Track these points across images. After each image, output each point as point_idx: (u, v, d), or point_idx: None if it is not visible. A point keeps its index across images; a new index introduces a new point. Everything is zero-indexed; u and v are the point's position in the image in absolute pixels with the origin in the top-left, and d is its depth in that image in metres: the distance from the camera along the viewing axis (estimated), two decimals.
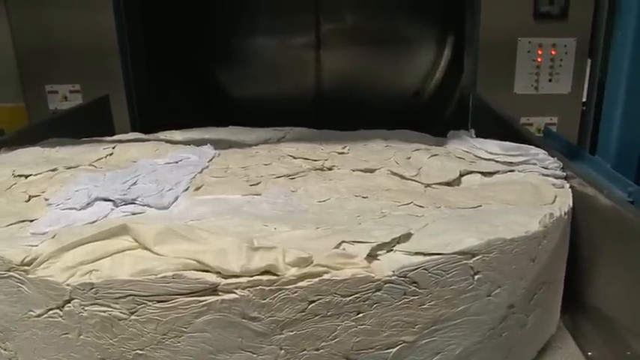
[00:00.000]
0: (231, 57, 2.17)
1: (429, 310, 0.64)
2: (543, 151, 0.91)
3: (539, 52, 1.97)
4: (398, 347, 0.62)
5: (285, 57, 2.25)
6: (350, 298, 0.61)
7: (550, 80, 2.00)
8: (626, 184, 1.10)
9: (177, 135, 1.17)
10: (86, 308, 0.62)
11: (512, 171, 0.88)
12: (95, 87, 1.88)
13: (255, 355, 0.59)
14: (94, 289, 0.61)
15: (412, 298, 0.63)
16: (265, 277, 0.60)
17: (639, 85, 1.35)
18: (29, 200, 0.80)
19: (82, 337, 0.63)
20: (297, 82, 2.14)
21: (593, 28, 1.94)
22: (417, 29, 2.36)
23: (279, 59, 2.21)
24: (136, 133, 1.22)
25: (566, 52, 1.97)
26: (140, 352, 0.60)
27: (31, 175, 0.90)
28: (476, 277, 0.66)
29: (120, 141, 1.07)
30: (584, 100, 2.02)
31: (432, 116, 1.52)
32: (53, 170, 0.90)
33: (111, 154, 1.00)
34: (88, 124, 1.44)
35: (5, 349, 0.66)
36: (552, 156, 0.92)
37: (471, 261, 0.65)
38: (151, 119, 1.50)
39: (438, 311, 0.64)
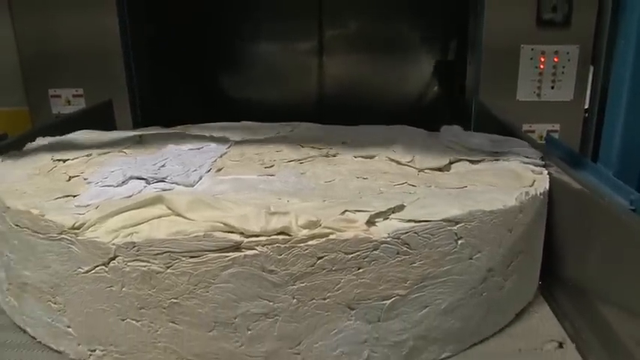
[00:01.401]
0: (235, 61, 2.41)
1: (418, 268, 0.84)
2: (526, 143, 1.14)
3: (542, 59, 2.19)
4: (392, 299, 0.82)
5: (288, 62, 2.51)
6: (352, 255, 0.81)
7: (552, 87, 2.22)
8: (628, 192, 1.25)
9: (194, 129, 1.41)
10: (128, 264, 0.82)
11: (496, 160, 1.09)
12: (98, 91, 2.11)
13: (271, 303, 0.80)
14: (135, 247, 0.81)
15: (404, 257, 0.83)
16: (281, 237, 0.80)
17: None
18: (70, 180, 1.03)
19: (124, 289, 0.82)
20: (300, 86, 2.34)
21: (596, 35, 2.15)
22: (420, 35, 2.63)
23: (282, 64, 2.46)
24: (157, 127, 1.45)
25: (569, 60, 2.19)
26: (174, 300, 0.80)
27: (68, 159, 1.13)
28: (459, 241, 0.87)
29: (143, 133, 1.31)
30: (586, 107, 2.24)
31: (435, 122, 1.73)
32: (88, 155, 1.12)
33: (139, 140, 1.23)
34: (91, 129, 1.68)
35: (55, 303, 0.86)
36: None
37: (454, 227, 0.86)
38: (154, 124, 1.73)
39: (426, 269, 0.84)
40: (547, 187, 1.03)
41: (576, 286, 0.97)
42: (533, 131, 2.21)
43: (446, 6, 2.50)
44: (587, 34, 2.15)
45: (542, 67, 2.20)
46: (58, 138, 1.31)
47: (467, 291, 0.91)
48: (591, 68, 2.21)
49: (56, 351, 0.95)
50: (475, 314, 0.93)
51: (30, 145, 1.26)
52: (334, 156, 1.15)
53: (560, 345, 0.94)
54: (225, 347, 0.85)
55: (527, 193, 0.97)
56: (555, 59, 2.19)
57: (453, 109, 2.32)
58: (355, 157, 1.13)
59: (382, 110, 2.30)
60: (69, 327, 0.92)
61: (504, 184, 1.01)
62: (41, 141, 1.27)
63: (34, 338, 0.98)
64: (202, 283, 0.83)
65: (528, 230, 0.97)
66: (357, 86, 2.40)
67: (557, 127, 2.25)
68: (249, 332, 0.85)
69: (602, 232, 0.92)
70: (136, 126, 2.04)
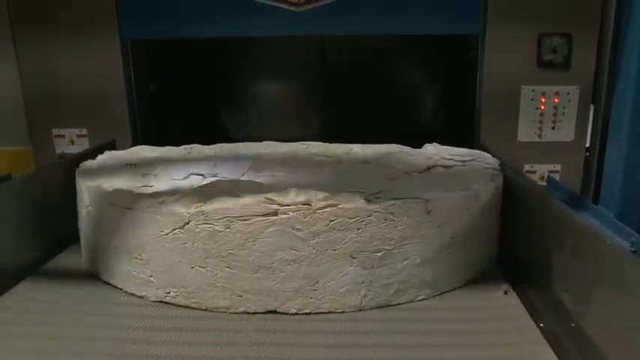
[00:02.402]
0: (236, 102, 3.41)
1: (400, 230, 1.79)
2: (488, 154, 2.16)
3: (543, 100, 3.09)
4: (382, 252, 1.77)
5: (290, 103, 3.68)
6: (353, 219, 1.76)
7: (553, 128, 3.14)
8: (628, 234, 1.80)
9: (226, 147, 2.43)
10: (198, 226, 1.77)
11: (464, 165, 2.10)
12: (101, 131, 3.07)
13: (298, 252, 1.74)
14: (204, 215, 1.75)
15: (390, 222, 1.79)
16: (305, 206, 1.76)
17: None
18: (144, 176, 2.01)
19: (195, 244, 1.76)
20: (301, 127, 3.37)
21: (596, 74, 3.00)
22: (421, 78, 3.74)
23: (284, 105, 3.62)
24: (197, 144, 2.52)
25: (569, 100, 3.11)
26: (231, 251, 1.74)
27: (137, 164, 2.13)
28: (429, 214, 1.83)
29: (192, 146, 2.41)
30: (587, 145, 3.15)
31: None
32: (152, 162, 2.14)
33: (189, 153, 2.28)
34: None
35: (140, 259, 1.83)
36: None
37: (426, 204, 1.82)
38: None
39: (405, 232, 1.79)
40: (500, 184, 2.05)
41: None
42: (534, 172, 3.16)
43: (447, 48, 3.57)
44: (587, 75, 3.05)
45: (542, 107, 3.12)
46: (120, 152, 2.38)
47: (436, 251, 1.88)
48: (592, 107, 3.08)
49: (139, 296, 1.95)
50: (443, 269, 1.91)
51: (100, 157, 2.31)
52: (340, 162, 2.21)
53: (505, 292, 1.96)
54: (265, 285, 1.82)
55: (481, 184, 1.98)
56: (556, 100, 3.12)
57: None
58: (356, 162, 2.18)
59: None
60: (150, 276, 1.90)
61: (467, 179, 2.02)
62: (104, 155, 2.34)
63: (120, 289, 2.00)
64: (251, 238, 1.79)
65: (483, 212, 1.98)
66: (358, 127, 3.37)
67: (558, 167, 3.18)
68: (282, 274, 1.82)
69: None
70: None
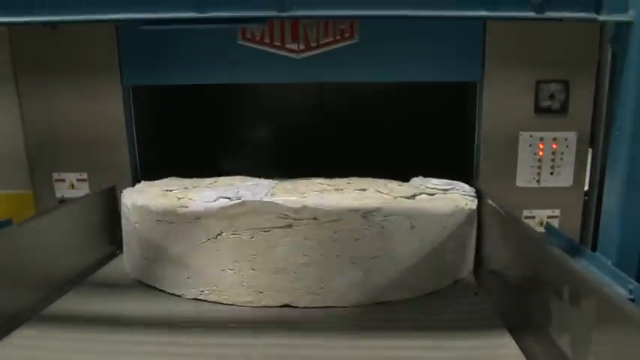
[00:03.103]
0: (238, 146, 3.60)
1: (390, 241, 2.64)
2: (465, 185, 3.02)
3: (541, 146, 3.42)
4: (376, 258, 2.60)
5: (290, 143, 4.17)
6: (352, 232, 2.58)
7: (552, 173, 3.47)
8: (626, 282, 1.86)
9: (245, 178, 3.23)
10: (229, 237, 2.58)
11: (445, 193, 2.99)
12: (102, 176, 3.54)
13: (308, 257, 2.56)
14: (233, 227, 2.57)
15: (382, 234, 2.63)
16: (314, 220, 2.55)
17: (638, 183, 2.16)
18: (179, 199, 2.82)
19: (225, 251, 2.60)
20: (302, 167, 3.73)
21: (594, 119, 3.38)
22: (420, 123, 4.22)
23: (286, 146, 4.16)
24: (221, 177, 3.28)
25: (567, 146, 3.44)
26: (254, 256, 2.57)
27: (173, 190, 2.96)
28: (412, 227, 2.71)
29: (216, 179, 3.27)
30: (586, 188, 3.57)
31: None
32: (185, 188, 2.98)
33: (215, 182, 3.10)
34: (94, 214, 3.27)
35: (181, 264, 2.68)
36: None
37: (410, 219, 2.69)
38: None
39: (394, 242, 2.65)
40: (474, 207, 2.89)
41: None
42: (533, 217, 3.53)
43: (445, 95, 3.95)
44: (584, 121, 3.37)
45: (541, 153, 3.42)
46: (155, 181, 3.15)
47: (420, 258, 2.69)
48: (590, 150, 3.42)
49: (177, 295, 2.71)
50: (426, 274, 2.72)
51: (138, 185, 3.12)
52: (341, 189, 2.92)
53: (476, 294, 2.73)
54: (281, 283, 2.58)
55: (456, 206, 2.83)
56: (554, 145, 3.42)
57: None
58: (354, 189, 2.89)
59: None
60: (188, 278, 2.69)
61: (446, 203, 2.84)
62: (141, 184, 3.12)
63: (161, 290, 2.74)
64: (271, 247, 2.60)
65: (458, 230, 2.82)
66: (357, 170, 3.62)
67: (557, 212, 3.50)
68: (295, 274, 2.60)
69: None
70: None
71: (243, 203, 2.65)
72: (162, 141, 3.91)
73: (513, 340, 2.21)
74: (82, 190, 3.46)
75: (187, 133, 4.13)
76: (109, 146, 3.44)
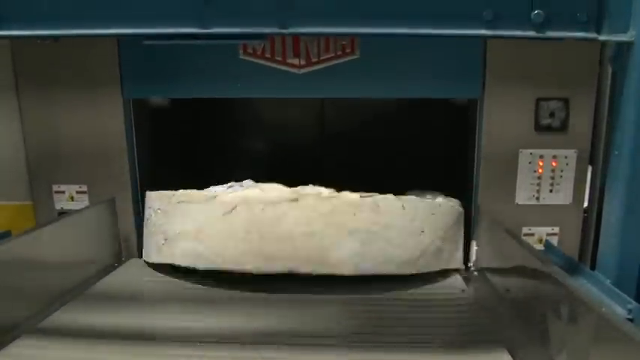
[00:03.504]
0: (237, 159, 3.62)
1: (384, 218, 2.93)
2: (455, 199, 3.27)
3: (540, 164, 3.42)
4: (371, 232, 2.87)
5: (291, 160, 4.19)
6: (351, 207, 2.87)
7: (551, 191, 3.47)
8: (625, 301, 1.93)
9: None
10: (242, 211, 2.88)
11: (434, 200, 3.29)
12: (102, 188, 3.54)
13: (309, 229, 2.87)
14: (246, 202, 2.88)
15: (376, 212, 2.92)
16: (317, 195, 2.93)
17: (636, 204, 2.26)
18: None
19: (236, 225, 2.89)
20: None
21: (594, 137, 3.40)
22: (420, 141, 4.24)
23: (286, 163, 4.13)
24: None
25: (567, 164, 3.45)
26: (262, 227, 2.84)
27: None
28: (404, 209, 2.95)
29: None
30: (585, 205, 3.54)
31: None
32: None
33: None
34: (94, 226, 3.28)
35: (197, 239, 2.93)
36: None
37: (401, 201, 2.97)
38: None
39: (387, 220, 2.94)
40: (460, 206, 3.16)
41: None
42: (532, 234, 3.52)
43: (445, 111, 3.96)
44: (584, 139, 3.38)
45: (540, 171, 3.42)
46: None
47: (410, 237, 2.90)
48: (590, 167, 3.43)
49: (193, 268, 3.03)
50: (416, 253, 2.93)
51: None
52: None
53: (463, 291, 2.91)
54: (286, 250, 2.85)
55: (442, 199, 3.14)
56: (553, 163, 3.43)
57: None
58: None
59: None
60: (204, 250, 2.93)
61: (433, 198, 3.18)
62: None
63: (178, 265, 3.07)
64: (277, 219, 2.84)
65: (445, 219, 3.03)
66: (356, 185, 3.53)
67: (556, 229, 3.50)
68: (298, 243, 2.84)
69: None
70: (137, 221, 3.55)
71: (254, 185, 3.13)
72: (161, 154, 3.89)
73: (512, 359, 2.20)
74: (82, 202, 3.45)
75: (187, 147, 4.13)
76: (109, 158, 3.44)
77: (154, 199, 3.24)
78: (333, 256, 2.88)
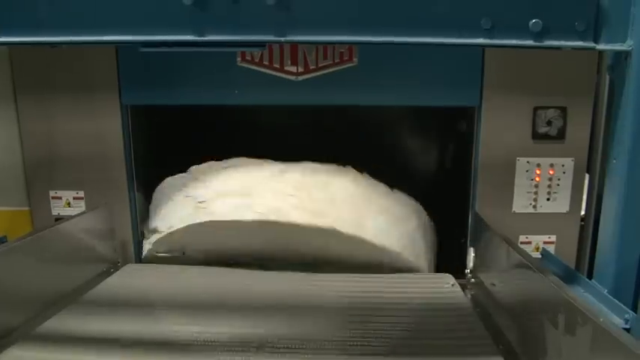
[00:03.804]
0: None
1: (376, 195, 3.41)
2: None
3: (538, 172, 3.43)
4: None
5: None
6: None
7: (548, 199, 3.46)
8: (622, 311, 1.94)
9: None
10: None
11: None
12: (99, 194, 3.54)
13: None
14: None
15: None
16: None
17: (634, 213, 2.26)
18: None
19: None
20: None
21: (591, 145, 3.39)
22: (417, 147, 4.29)
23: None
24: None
25: (564, 172, 3.44)
26: None
27: None
28: (393, 191, 3.40)
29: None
30: (582, 213, 3.54)
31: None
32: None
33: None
34: (90, 232, 3.27)
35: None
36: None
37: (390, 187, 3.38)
38: None
39: (379, 200, 3.33)
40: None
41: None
42: (529, 242, 3.49)
43: (443, 119, 4.02)
44: (581, 147, 3.37)
45: (537, 179, 3.42)
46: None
47: (399, 220, 3.19)
48: (587, 176, 3.44)
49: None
50: (406, 235, 3.16)
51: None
52: None
53: (453, 285, 2.97)
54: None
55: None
56: (551, 172, 3.42)
57: (450, 222, 3.41)
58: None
59: None
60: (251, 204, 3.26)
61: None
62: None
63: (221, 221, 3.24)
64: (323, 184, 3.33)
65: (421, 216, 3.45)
66: None
67: (553, 238, 3.48)
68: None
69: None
70: (134, 227, 3.57)
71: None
72: (159, 160, 3.86)
73: None
74: (79, 208, 3.45)
75: (184, 153, 3.93)
76: (106, 165, 3.45)
77: (197, 169, 3.34)
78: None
